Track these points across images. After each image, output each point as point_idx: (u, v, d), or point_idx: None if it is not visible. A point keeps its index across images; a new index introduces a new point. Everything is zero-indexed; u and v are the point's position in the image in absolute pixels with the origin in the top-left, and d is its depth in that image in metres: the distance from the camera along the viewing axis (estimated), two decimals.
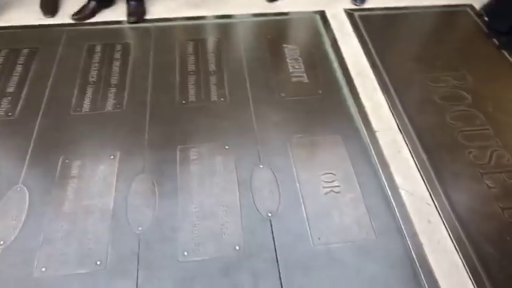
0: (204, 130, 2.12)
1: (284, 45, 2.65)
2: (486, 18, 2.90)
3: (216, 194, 1.87)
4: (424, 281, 1.63)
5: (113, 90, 2.30)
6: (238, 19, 2.85)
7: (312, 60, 2.56)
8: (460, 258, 1.71)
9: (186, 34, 2.70)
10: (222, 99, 2.29)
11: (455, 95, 2.39)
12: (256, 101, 2.29)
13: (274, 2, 2.97)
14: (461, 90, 2.42)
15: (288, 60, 2.56)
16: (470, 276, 1.65)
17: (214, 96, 2.30)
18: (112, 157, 1.98)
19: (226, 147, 2.05)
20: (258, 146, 2.07)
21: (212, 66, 2.48)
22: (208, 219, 1.78)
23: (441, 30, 2.90)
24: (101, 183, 1.88)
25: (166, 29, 2.72)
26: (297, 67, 2.52)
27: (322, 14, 2.91)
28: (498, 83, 2.47)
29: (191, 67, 2.46)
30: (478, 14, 2.98)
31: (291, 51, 2.62)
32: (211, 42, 2.65)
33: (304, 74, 2.48)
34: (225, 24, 2.81)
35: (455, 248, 1.74)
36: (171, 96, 2.28)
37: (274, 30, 2.78)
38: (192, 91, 2.32)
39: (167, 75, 2.40)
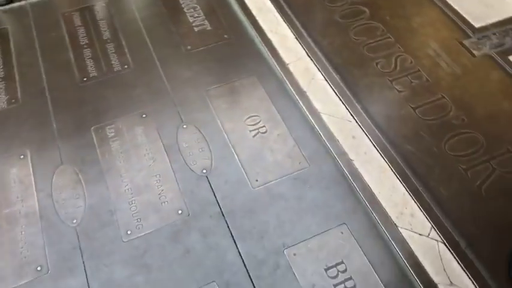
0: (115, 104, 2.00)
1: None
2: None
3: (146, 166, 1.81)
4: (360, 193, 1.74)
5: (1, 84, 2.07)
6: None
7: (211, 5, 2.46)
8: (387, 162, 1.83)
9: (68, 4, 2.46)
10: (125, 66, 2.15)
11: (354, 11, 2.44)
12: (163, 60, 2.18)
13: None
14: (359, 6, 2.47)
15: (185, 11, 2.44)
16: (398, 176, 1.79)
17: (117, 66, 2.16)
18: (22, 157, 1.82)
19: (144, 115, 1.97)
20: (176, 107, 2.00)
21: (106, 34, 2.30)
22: (143, 193, 1.73)
23: None
24: (18, 187, 1.73)
25: (44, 4, 2.45)
26: (197, 15, 2.42)
27: None
28: None
29: (83, 40, 2.27)
30: None
31: (187, 0, 2.49)
32: (99, 8, 2.44)
33: (206, 21, 2.39)
34: None
35: (381, 155, 1.85)
36: (70, 76, 2.11)
37: None
38: (91, 66, 2.15)
39: (59, 54, 2.19)
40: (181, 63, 2.18)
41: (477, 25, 2.38)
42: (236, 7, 2.46)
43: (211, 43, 2.28)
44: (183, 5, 2.46)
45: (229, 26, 2.36)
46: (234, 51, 2.24)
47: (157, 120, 1.95)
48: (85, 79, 2.09)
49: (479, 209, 1.70)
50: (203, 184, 1.77)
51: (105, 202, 1.70)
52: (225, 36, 2.31)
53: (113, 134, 1.90)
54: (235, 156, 1.85)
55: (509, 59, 2.22)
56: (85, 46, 2.23)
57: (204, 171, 1.80)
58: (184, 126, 1.94)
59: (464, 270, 1.54)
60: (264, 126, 1.95)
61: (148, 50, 2.22)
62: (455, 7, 2.45)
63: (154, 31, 2.32)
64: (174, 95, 2.05)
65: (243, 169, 1.81)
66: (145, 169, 1.80)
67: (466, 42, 2.30)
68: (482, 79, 2.14)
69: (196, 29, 2.34)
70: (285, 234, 1.64)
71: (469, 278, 1.52)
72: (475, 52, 2.25)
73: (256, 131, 1.94)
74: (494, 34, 2.34)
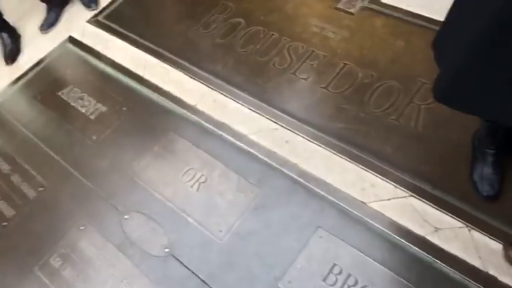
0: (46, 232, 1.86)
1: (59, 93, 2.39)
2: None
3: (109, 276, 1.68)
4: (318, 190, 1.71)
5: None
6: None
7: (96, 87, 2.38)
8: (326, 149, 1.82)
9: None
10: (40, 189, 2.00)
11: (229, 26, 2.45)
12: (75, 163, 2.06)
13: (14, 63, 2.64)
14: (232, 19, 2.48)
15: (73, 104, 2.32)
16: (342, 156, 1.79)
17: (31, 193, 2.00)
18: None
19: (82, 227, 1.84)
20: (108, 201, 1.89)
21: (5, 167, 2.13)
22: None
23: None
24: None
25: None
26: (87, 103, 2.31)
27: (72, 40, 2.67)
28: None
29: None
30: None
31: (70, 93, 2.38)
32: None
33: (99, 104, 2.29)
34: None
35: (318, 145, 1.84)
36: None
37: (40, 85, 2.47)
38: (4, 207, 1.98)
39: None
40: (94, 156, 2.07)
41: None
42: (122, 76, 2.39)
43: (114, 122, 2.19)
44: (68, 100, 2.35)
45: (124, 97, 2.28)
46: (139, 118, 2.17)
47: (97, 224, 1.83)
48: (5, 224, 1.93)
49: (425, 148, 1.73)
50: (172, 263, 1.67)
51: None
52: (124, 109, 2.23)
53: (59, 262, 1.76)
54: (189, 218, 1.77)
55: (382, 2, 2.32)
56: None
57: (167, 250, 1.70)
58: (126, 216, 1.83)
59: (441, 211, 1.55)
60: (202, 175, 1.89)
61: (55, 161, 2.09)
62: None
63: (53, 139, 2.19)
64: (101, 191, 1.94)
65: (202, 227, 1.73)
66: (110, 279, 1.68)
67: (339, 5, 2.37)
68: (370, 31, 2.21)
69: (92, 117, 2.24)
70: (272, 268, 1.57)
71: (448, 215, 1.54)
72: (351, 10, 2.32)
73: (197, 183, 1.87)
74: None
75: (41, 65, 2.58)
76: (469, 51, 1.06)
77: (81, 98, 2.35)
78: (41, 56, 2.61)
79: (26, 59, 2.64)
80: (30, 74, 2.55)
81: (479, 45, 1.02)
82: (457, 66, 1.11)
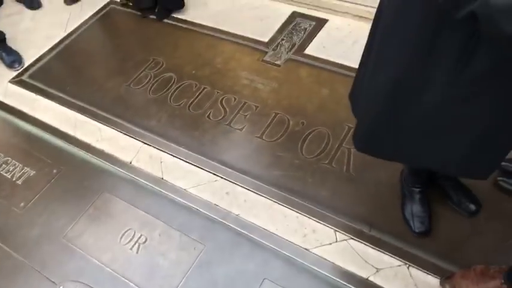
0: None
1: None
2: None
3: None
4: (261, 240, 1.73)
5: None
6: None
7: (23, 150, 2.25)
8: (266, 198, 1.86)
9: None
10: None
11: (161, 81, 2.47)
12: (1, 236, 1.90)
13: None
14: (163, 74, 2.51)
15: None
16: (282, 204, 1.83)
17: None
18: None
19: None
20: (41, 272, 1.76)
21: None
22: None
23: (108, 39, 2.91)
24: None
25: None
26: (13, 168, 2.17)
27: None
28: (181, 48, 2.66)
29: None
30: (121, 4, 3.06)
31: None
32: None
33: (26, 168, 2.16)
34: None
35: (258, 194, 1.88)
36: None
37: None
38: None
39: None
40: (22, 225, 1.93)
41: (266, 39, 2.61)
42: (50, 137, 2.28)
43: (43, 186, 2.07)
44: None
45: (53, 159, 2.18)
46: (71, 180, 2.07)
47: None
48: None
49: (358, 190, 1.83)
50: None
51: None
52: (54, 171, 2.13)
53: None
54: (130, 283, 1.69)
55: (305, 53, 2.48)
56: None
57: None
58: (61, 287, 1.71)
59: (379, 251, 1.63)
60: (141, 235, 1.82)
61: None
62: (240, 33, 2.65)
63: None
64: (31, 262, 1.80)
65: None
66: None
67: (266, 57, 2.50)
68: (296, 80, 2.34)
69: (19, 182, 2.10)
70: None
71: (386, 254, 1.62)
72: (277, 62, 2.46)
73: (137, 244, 1.80)
74: (283, 39, 2.60)
75: None
76: (374, 106, 1.17)
77: (6, 163, 2.20)
78: None
79: None
80: None
81: (380, 100, 1.13)
82: (368, 118, 1.23)
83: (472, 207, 1.66)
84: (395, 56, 1.05)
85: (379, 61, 1.12)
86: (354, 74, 2.09)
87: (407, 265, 1.58)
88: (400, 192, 1.74)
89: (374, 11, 1.17)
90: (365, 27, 2.50)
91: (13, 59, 2.66)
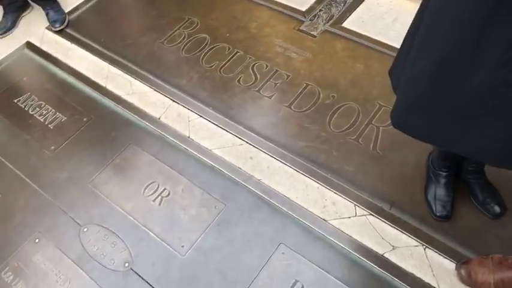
0: None
1: (15, 100, 2.30)
2: None
3: None
4: (281, 207, 1.75)
5: None
6: None
7: (56, 96, 2.30)
8: (290, 166, 1.87)
9: None
10: None
11: (195, 42, 2.47)
12: (31, 174, 1.98)
13: None
14: (197, 35, 2.50)
15: (31, 112, 2.24)
16: (305, 174, 1.84)
17: None
18: None
19: (37, 240, 1.77)
20: (67, 214, 1.83)
21: None
22: None
23: None
24: None
25: None
26: (45, 112, 2.23)
27: (30, 46, 2.58)
28: (217, 10, 2.63)
29: None
30: None
31: (28, 101, 2.29)
32: None
33: (58, 113, 2.22)
34: None
35: (282, 162, 1.89)
36: None
37: None
38: None
39: None
40: (52, 167, 2.00)
41: (304, 8, 2.56)
42: (82, 85, 2.33)
43: (73, 133, 2.13)
44: (26, 108, 2.26)
45: (84, 107, 2.23)
46: (100, 129, 2.12)
47: (53, 237, 1.77)
48: None
49: (383, 168, 1.83)
50: (131, 278, 1.64)
51: None
52: (85, 119, 2.18)
53: (11, 277, 1.68)
54: (150, 233, 1.75)
55: (343, 26, 2.43)
56: None
57: (127, 264, 1.67)
58: (85, 229, 1.78)
59: (398, 230, 1.63)
60: (164, 189, 1.87)
61: (10, 171, 2.00)
62: (279, 0, 2.61)
63: (7, 148, 2.10)
64: (59, 203, 1.87)
65: (164, 242, 1.72)
66: None
67: (302, 27, 2.46)
68: (331, 53, 2.31)
69: (51, 126, 2.17)
70: (233, 284, 1.58)
71: (404, 233, 1.62)
72: (313, 33, 2.42)
73: (159, 197, 1.85)
74: (321, 10, 2.54)
75: None
76: (417, 86, 1.15)
77: (39, 106, 2.26)
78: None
79: None
80: None
81: (423, 80, 1.11)
82: (409, 97, 1.21)
83: (497, 209, 1.61)
84: (445, 35, 1.02)
85: (427, 39, 1.09)
86: (391, 52, 2.06)
87: (424, 246, 1.59)
88: (425, 174, 1.73)
89: None
90: (407, 5, 2.45)
91: (56, 18, 2.64)
